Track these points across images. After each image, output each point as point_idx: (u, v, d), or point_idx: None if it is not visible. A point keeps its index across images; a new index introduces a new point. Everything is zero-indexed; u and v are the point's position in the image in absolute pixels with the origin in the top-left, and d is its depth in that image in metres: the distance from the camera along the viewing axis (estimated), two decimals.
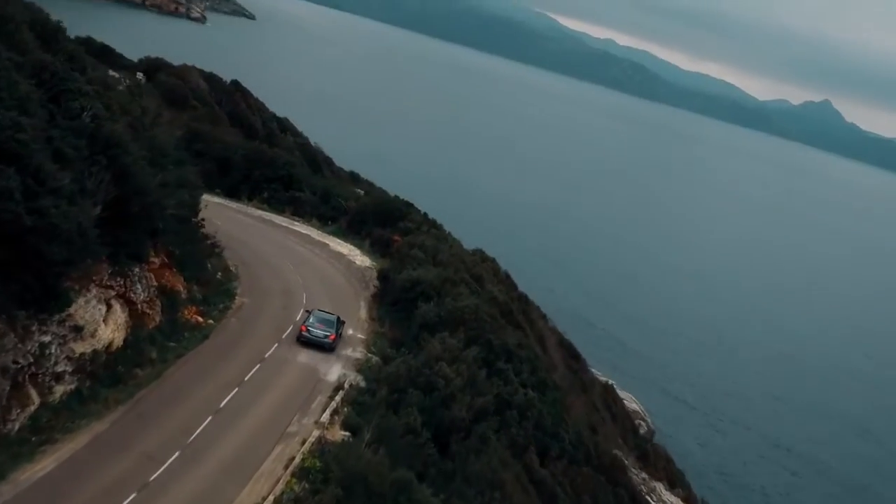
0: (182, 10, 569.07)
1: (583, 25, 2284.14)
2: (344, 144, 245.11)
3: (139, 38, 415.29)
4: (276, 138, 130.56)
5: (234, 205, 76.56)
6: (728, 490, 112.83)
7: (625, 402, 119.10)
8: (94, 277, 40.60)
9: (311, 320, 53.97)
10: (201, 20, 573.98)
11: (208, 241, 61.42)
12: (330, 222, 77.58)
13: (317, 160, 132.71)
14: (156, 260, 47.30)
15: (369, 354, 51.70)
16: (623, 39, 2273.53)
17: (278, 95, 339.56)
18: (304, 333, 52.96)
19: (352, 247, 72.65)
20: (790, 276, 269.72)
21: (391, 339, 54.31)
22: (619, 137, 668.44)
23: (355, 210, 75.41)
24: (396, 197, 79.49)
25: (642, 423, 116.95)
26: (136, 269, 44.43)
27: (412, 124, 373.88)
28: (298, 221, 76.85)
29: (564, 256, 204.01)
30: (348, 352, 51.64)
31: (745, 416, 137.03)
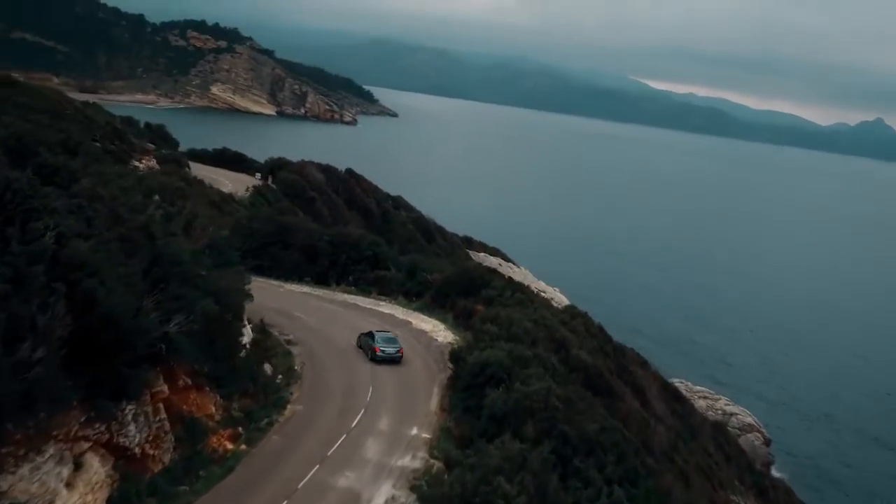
0: (337, 116, 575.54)
1: (667, 85, 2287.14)
2: (472, 208, 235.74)
3: (302, 142, 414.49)
4: (390, 215, 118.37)
5: (320, 292, 64.09)
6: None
7: (738, 415, 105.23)
8: (53, 433, 27.58)
9: (379, 342, 51.74)
10: (353, 123, 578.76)
11: (272, 341, 48.75)
12: (415, 298, 63.79)
13: (429, 230, 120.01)
14: (165, 387, 33.94)
15: (431, 460, 37.51)
16: (702, 91, 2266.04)
17: (412, 174, 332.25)
18: (379, 353, 51.27)
19: (436, 322, 58.83)
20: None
21: (458, 437, 40.07)
22: (705, 171, 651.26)
23: (439, 283, 61.48)
24: (479, 265, 65.25)
25: (759, 434, 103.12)
26: (130, 406, 31.35)
27: (534, 182, 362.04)
28: (384, 301, 63.51)
29: (673, 278, 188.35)
30: (406, 460, 37.45)
31: (860, 422, 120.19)
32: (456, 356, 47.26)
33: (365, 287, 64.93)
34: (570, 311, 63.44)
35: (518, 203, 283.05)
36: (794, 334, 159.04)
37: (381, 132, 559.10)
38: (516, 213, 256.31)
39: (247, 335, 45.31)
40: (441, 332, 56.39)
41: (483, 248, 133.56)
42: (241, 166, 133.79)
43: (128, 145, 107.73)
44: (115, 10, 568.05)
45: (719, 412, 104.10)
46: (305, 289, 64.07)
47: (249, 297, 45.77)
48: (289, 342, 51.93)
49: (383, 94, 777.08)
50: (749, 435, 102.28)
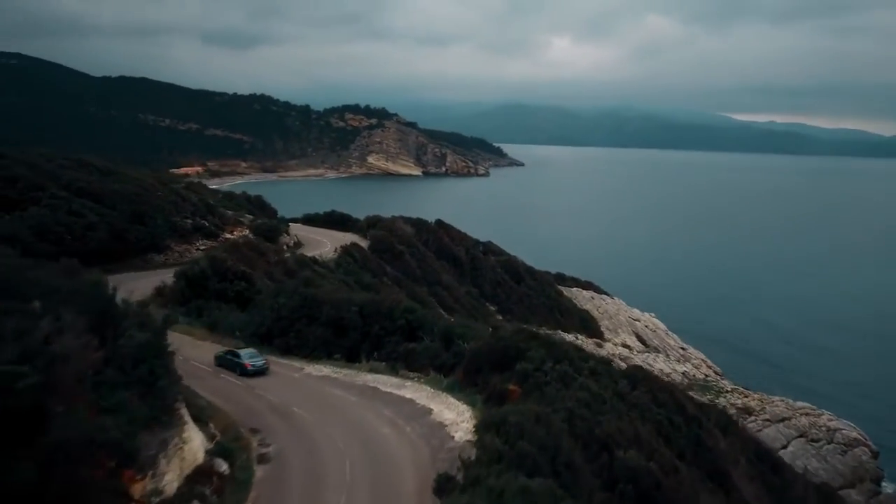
0: (472, 170, 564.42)
1: (750, 116, 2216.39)
2: (572, 239, 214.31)
3: (441, 194, 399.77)
4: (479, 261, 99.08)
5: (342, 372, 44.73)
6: None
7: (843, 430, 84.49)
8: None
9: (246, 358, 44.70)
10: (486, 174, 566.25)
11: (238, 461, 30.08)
12: (450, 372, 44.02)
13: (518, 271, 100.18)
14: None
15: None
16: (781, 118, 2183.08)
17: (529, 210, 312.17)
18: (250, 368, 44.23)
19: (463, 407, 38.71)
20: None
21: None
22: (791, 186, 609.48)
23: (469, 356, 41.50)
24: (520, 330, 44.78)
25: (865, 448, 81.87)
26: None
27: (634, 209, 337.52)
28: (412, 379, 43.74)
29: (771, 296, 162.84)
30: None
31: None
32: (441, 488, 27.58)
33: (394, 363, 45.71)
34: (634, 375, 42.80)
35: (617, 230, 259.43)
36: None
37: (508, 179, 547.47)
38: (615, 240, 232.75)
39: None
40: (464, 424, 36.74)
41: (575, 282, 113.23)
42: (346, 226, 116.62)
43: (220, 219, 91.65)
44: (286, 104, 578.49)
45: (823, 428, 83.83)
46: (327, 370, 45.29)
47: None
48: (262, 458, 33.33)
49: (511, 149, 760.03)
50: (855, 450, 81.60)
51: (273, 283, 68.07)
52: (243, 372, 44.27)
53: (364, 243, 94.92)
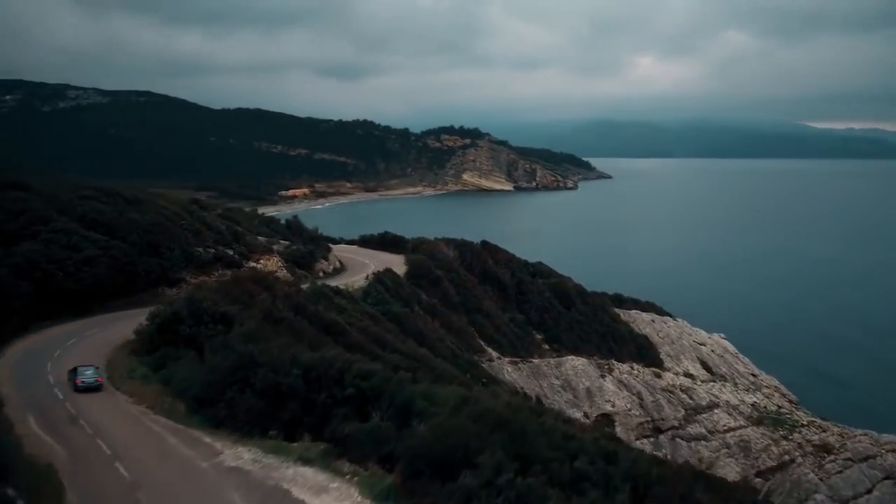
0: (561, 184, 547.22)
1: (828, 123, 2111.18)
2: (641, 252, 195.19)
3: (530, 206, 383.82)
4: (525, 285, 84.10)
5: (262, 463, 30.72)
6: None
7: None
8: None
9: (80, 375, 39.50)
10: (574, 187, 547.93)
11: None
12: (393, 469, 29.37)
13: (568, 295, 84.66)
14: None
15: None
16: (858, 125, 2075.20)
17: (609, 219, 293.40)
18: (80, 384, 38.82)
19: None
20: None
21: None
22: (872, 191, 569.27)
23: (407, 456, 26.79)
24: (484, 413, 29.35)
25: None
26: None
27: (710, 218, 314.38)
28: (343, 477, 28.99)
29: None
30: None
31: None
32: None
33: (333, 449, 31.55)
34: (646, 476, 27.43)
35: (695, 240, 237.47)
36: None
37: (595, 191, 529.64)
38: (691, 251, 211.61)
39: None
40: None
41: (634, 304, 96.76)
42: (399, 247, 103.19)
43: (247, 247, 79.26)
44: (387, 128, 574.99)
45: None
46: (247, 456, 31.06)
47: None
48: None
49: (600, 162, 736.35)
50: None
51: (270, 325, 55.04)
52: (75, 388, 39.13)
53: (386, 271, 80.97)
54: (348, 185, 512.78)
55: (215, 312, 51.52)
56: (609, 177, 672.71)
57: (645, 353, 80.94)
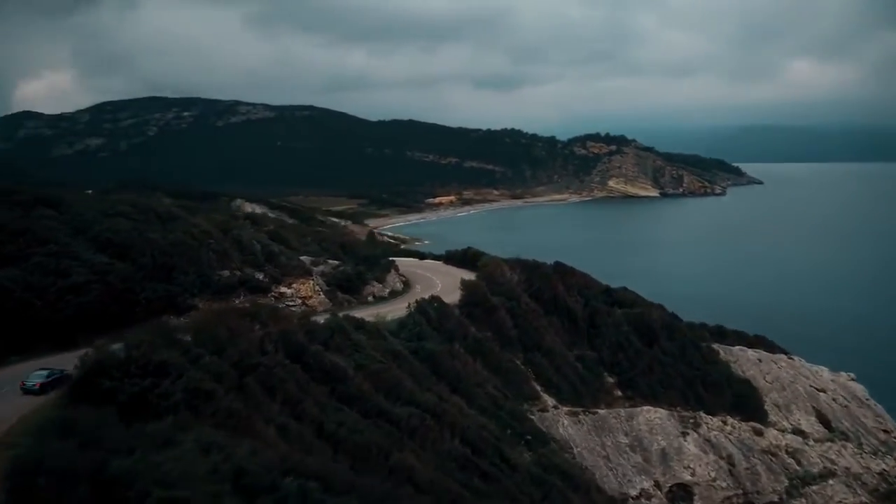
0: (708, 190, 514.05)
1: None
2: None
3: (669, 216, 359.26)
4: (599, 317, 67.39)
5: None
6: None
7: None
8: None
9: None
10: (722, 193, 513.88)
11: None
12: None
13: (652, 329, 67.14)
14: None
15: None
16: None
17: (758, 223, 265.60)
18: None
19: None
20: None
21: None
22: None
23: None
24: None
25: None
26: None
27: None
28: None
29: None
30: None
31: None
32: None
33: None
34: None
35: (842, 253, 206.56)
36: None
37: (742, 197, 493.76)
38: (838, 265, 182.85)
39: None
40: None
41: (739, 338, 77.46)
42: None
43: (281, 269, 66.93)
44: (534, 136, 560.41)
45: None
46: None
47: None
48: None
49: (752, 167, 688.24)
50: None
51: (235, 373, 42.18)
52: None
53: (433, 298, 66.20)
54: (495, 192, 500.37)
55: (145, 363, 38.87)
56: (760, 182, 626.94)
57: (744, 402, 62.61)
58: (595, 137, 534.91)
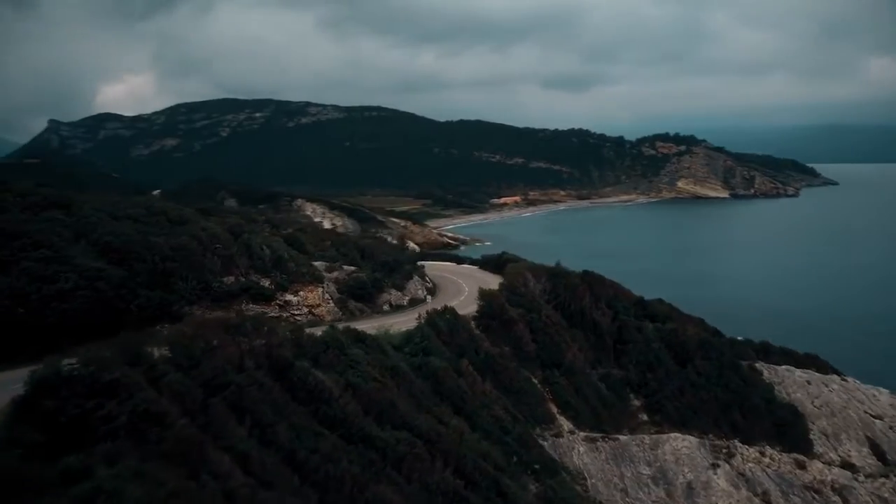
0: (781, 191, 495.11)
1: None
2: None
3: (738, 218, 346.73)
4: (629, 331, 61.16)
5: None
6: None
7: None
8: None
9: None
10: (795, 195, 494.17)
11: None
12: None
13: (685, 347, 60.58)
14: None
15: None
16: None
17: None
18: None
19: None
20: None
21: None
22: None
23: None
24: None
25: None
26: None
27: None
28: None
29: None
30: None
31: None
32: None
33: None
34: None
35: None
36: None
37: (816, 199, 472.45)
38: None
39: None
40: None
41: (786, 357, 69.83)
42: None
43: (290, 275, 62.69)
44: (602, 136, 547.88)
45: None
46: None
47: None
48: None
49: (828, 168, 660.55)
50: None
51: (202, 394, 37.96)
52: None
53: (444, 309, 60.84)
54: (561, 192, 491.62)
55: (94, 381, 34.85)
56: (835, 183, 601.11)
57: (787, 430, 55.62)
58: (664, 137, 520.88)
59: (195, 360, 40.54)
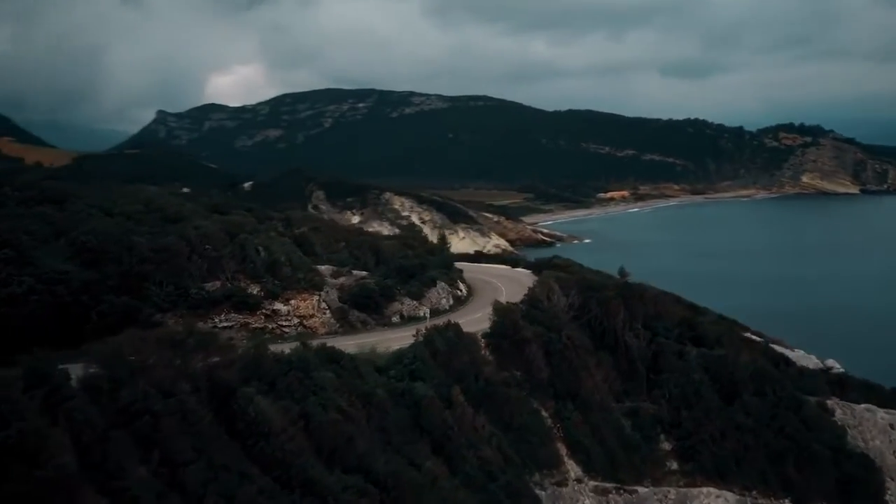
0: None
1: None
2: None
3: (869, 215, 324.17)
4: (665, 357, 52.28)
5: None
6: None
7: None
8: None
9: None
10: None
11: None
12: None
13: (732, 379, 51.07)
14: None
15: None
16: None
17: None
18: None
19: None
20: None
21: None
22: None
23: None
24: None
25: None
26: None
27: None
28: None
29: None
30: None
31: None
32: None
33: None
34: None
35: None
36: None
37: None
38: None
39: None
40: None
41: (869, 392, 58.60)
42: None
43: (282, 281, 56.88)
44: (720, 126, 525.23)
45: None
46: None
47: None
48: None
49: None
50: None
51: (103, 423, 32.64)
52: None
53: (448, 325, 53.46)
54: (675, 187, 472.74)
55: None
56: None
57: (856, 488, 45.74)
58: (787, 128, 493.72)
59: (119, 382, 35.26)
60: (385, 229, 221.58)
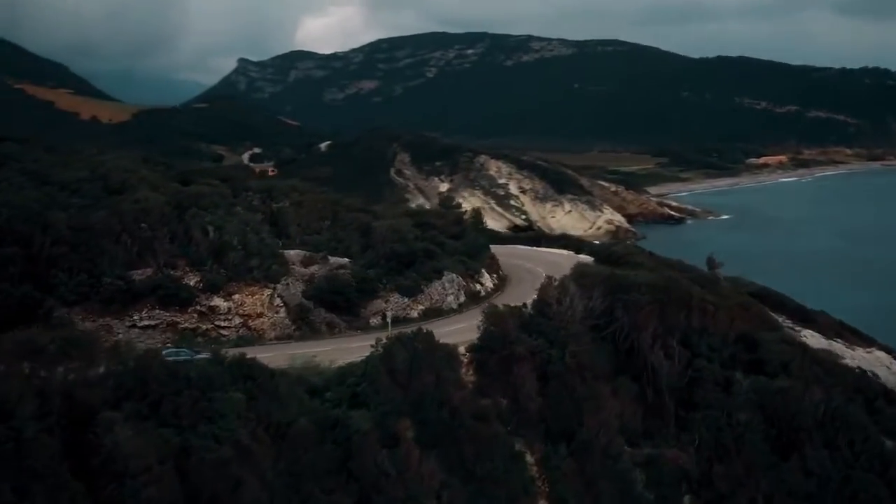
0: None
1: None
2: None
3: None
4: (703, 387, 44.76)
5: None
6: None
7: None
8: None
9: None
10: None
11: None
12: None
13: (796, 422, 43.02)
14: None
15: None
16: None
17: None
18: None
19: None
20: None
21: None
22: None
23: None
24: None
25: None
26: None
27: None
28: None
29: None
30: None
31: None
32: None
33: None
34: None
35: None
36: None
37: None
38: None
39: None
40: None
41: None
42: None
43: (228, 270, 52.25)
44: None
45: None
46: None
47: None
48: None
49: None
50: None
51: None
52: None
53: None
54: (847, 151, 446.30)
55: None
56: None
57: None
58: None
59: None
60: (477, 200, 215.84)
